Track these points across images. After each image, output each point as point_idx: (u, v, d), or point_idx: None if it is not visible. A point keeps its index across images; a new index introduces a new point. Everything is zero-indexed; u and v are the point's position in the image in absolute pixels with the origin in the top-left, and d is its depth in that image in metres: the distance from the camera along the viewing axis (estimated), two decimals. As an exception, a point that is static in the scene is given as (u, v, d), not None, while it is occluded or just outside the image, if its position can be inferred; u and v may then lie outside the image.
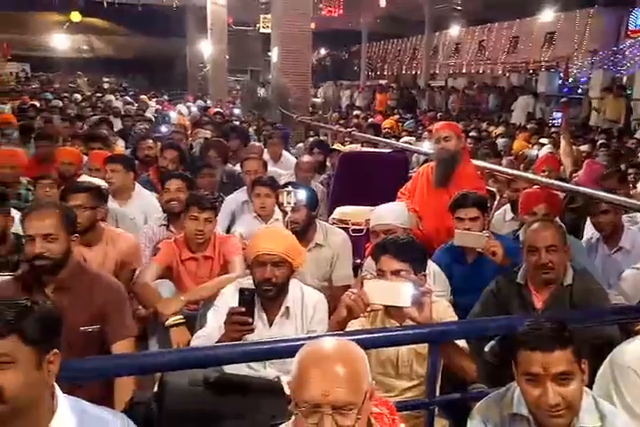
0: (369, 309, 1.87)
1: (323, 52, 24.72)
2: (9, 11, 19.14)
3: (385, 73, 23.28)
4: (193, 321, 2.56)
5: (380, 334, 1.74)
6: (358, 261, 3.39)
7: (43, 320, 1.29)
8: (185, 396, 1.63)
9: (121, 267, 2.79)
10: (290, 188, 2.93)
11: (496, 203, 4.01)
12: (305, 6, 8.31)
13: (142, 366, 1.47)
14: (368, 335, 1.67)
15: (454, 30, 19.40)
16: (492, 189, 4.06)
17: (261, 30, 15.14)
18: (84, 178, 3.03)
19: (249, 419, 1.63)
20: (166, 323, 2.39)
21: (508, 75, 16.88)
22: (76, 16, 16.96)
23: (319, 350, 1.25)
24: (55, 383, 1.34)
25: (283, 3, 8.23)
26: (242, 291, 1.91)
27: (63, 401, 1.33)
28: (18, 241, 2.68)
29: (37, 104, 9.97)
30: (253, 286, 2.07)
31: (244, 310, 1.86)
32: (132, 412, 1.59)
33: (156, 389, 1.72)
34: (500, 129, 9.48)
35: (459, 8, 17.13)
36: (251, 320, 1.87)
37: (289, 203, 2.89)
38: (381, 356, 2.03)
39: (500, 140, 7.56)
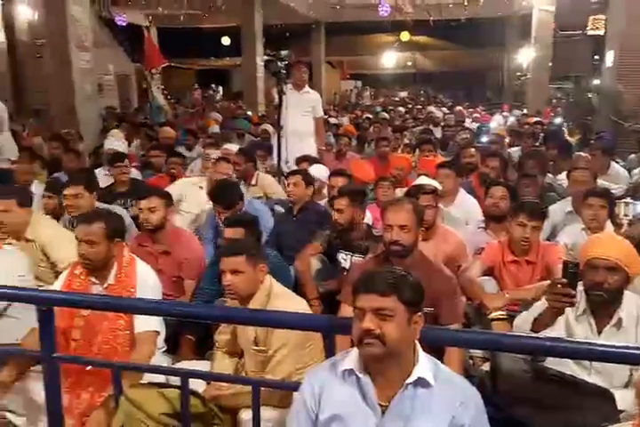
0: None
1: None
2: (349, 35, 22.18)
3: None
4: (511, 320, 2.69)
5: None
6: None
7: (414, 286, 1.63)
8: (516, 379, 1.79)
9: (448, 261, 3.10)
10: (629, 199, 2.80)
11: None
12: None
13: (488, 342, 1.68)
14: None
15: None
16: None
17: (589, 33, 14.03)
18: (424, 180, 3.45)
19: (578, 416, 1.69)
20: (490, 316, 2.58)
21: None
22: (405, 36, 18.58)
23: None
24: (417, 341, 1.67)
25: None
26: (565, 263, 1.90)
27: (423, 356, 1.64)
28: (369, 229, 3.27)
29: (370, 116, 11.41)
30: (577, 261, 2.03)
31: (565, 281, 1.86)
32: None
33: (487, 368, 1.93)
34: None
35: None
36: (573, 292, 1.87)
37: (626, 215, 2.77)
38: None
39: None
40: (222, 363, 2.45)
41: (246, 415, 2.11)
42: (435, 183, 3.43)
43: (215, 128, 8.70)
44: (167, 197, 3.27)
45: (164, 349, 2.64)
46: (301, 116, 5.52)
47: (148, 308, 2.07)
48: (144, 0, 14.62)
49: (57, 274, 3.08)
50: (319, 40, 18.49)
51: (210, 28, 18.35)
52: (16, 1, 14.25)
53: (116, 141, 5.85)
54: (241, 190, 3.61)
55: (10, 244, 2.89)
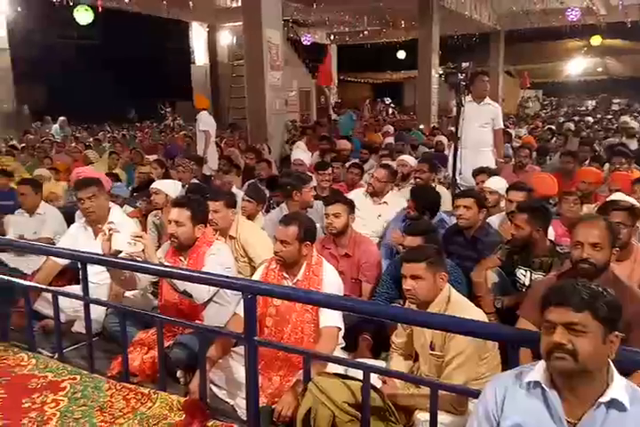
0: None
1: None
2: (530, 42, 21.05)
3: None
4: None
5: None
6: None
7: (610, 304, 1.57)
8: None
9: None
10: None
11: None
12: None
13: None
14: None
15: None
16: None
17: None
18: (619, 195, 3.21)
19: None
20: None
21: None
22: (596, 40, 17.14)
23: None
24: (610, 361, 1.59)
25: None
26: None
27: (618, 378, 1.57)
28: (552, 246, 3.13)
29: (552, 127, 10.74)
30: None
31: None
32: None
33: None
34: None
35: None
36: None
37: None
38: None
39: None
40: (398, 364, 2.55)
41: (421, 416, 2.19)
42: (631, 200, 3.16)
43: (389, 140, 8.93)
44: (350, 205, 3.49)
45: (342, 345, 2.83)
46: (480, 128, 5.44)
47: (334, 303, 2.26)
48: (327, 20, 15.56)
49: (252, 269, 3.48)
50: (498, 49, 17.92)
51: (386, 43, 18.86)
52: (218, 28, 16.20)
53: (301, 152, 6.34)
54: (440, 198, 3.64)
55: (217, 240, 3.33)
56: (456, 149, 5.24)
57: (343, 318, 2.66)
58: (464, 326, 1.94)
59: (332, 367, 2.44)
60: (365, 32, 17.47)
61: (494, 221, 4.00)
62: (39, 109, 15.35)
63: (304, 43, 16.18)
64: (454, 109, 5.40)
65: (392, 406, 2.20)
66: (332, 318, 2.60)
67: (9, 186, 5.65)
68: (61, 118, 13.73)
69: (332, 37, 19.01)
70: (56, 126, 13.53)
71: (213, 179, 6.01)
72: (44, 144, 9.36)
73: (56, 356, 3.05)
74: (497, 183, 4.36)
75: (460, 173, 5.39)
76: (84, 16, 10.33)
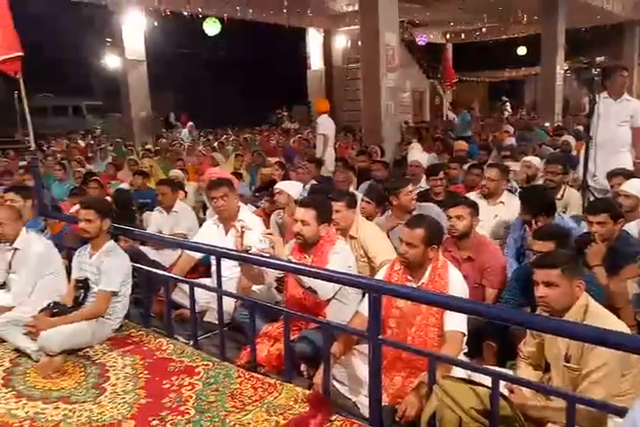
0: None
1: None
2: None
3: None
4: None
5: None
6: None
7: None
8: None
9: None
10: None
11: None
12: None
13: None
14: None
15: None
16: None
17: None
18: None
19: None
20: None
21: None
22: None
23: None
24: None
25: None
26: None
27: None
28: None
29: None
30: None
31: None
32: None
33: None
34: None
35: None
36: None
37: None
38: None
39: None
40: (526, 374, 2.44)
41: (555, 431, 2.08)
42: None
43: (510, 140, 8.55)
44: (473, 207, 3.39)
45: (465, 350, 2.76)
46: (617, 127, 5.02)
47: (462, 306, 2.22)
48: (443, 19, 15.25)
49: (371, 269, 3.51)
50: (633, 41, 16.46)
51: (505, 39, 18.09)
52: (334, 32, 16.51)
53: (418, 153, 6.28)
54: (552, 197, 3.43)
55: (339, 239, 3.40)
56: (587, 149, 4.89)
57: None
58: (606, 337, 1.81)
59: (455, 372, 2.40)
60: (483, 29, 16.89)
61: (633, 227, 3.67)
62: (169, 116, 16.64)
63: (419, 43, 15.99)
64: (587, 107, 5.04)
65: (521, 416, 2.11)
66: (457, 323, 2.55)
67: (147, 186, 6.21)
68: (190, 124, 14.79)
69: (447, 36, 18.60)
70: (185, 131, 14.60)
71: (332, 179, 6.13)
72: (176, 147, 10.13)
73: (191, 343, 3.29)
74: (636, 186, 4.01)
75: (594, 176, 5.02)
76: (212, 28, 11.05)
